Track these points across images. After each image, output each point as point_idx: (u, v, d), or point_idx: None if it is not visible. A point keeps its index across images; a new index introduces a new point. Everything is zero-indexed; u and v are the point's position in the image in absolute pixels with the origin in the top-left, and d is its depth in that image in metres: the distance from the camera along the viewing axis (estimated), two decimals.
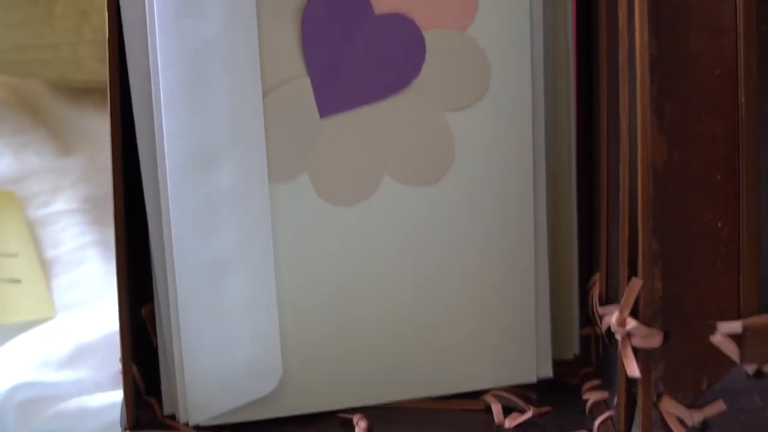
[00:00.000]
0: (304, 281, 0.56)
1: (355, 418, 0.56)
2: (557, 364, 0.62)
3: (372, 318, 0.58)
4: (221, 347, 0.55)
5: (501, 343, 0.59)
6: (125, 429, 0.56)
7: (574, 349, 0.63)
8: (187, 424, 0.56)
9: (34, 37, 0.76)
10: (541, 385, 0.61)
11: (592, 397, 0.57)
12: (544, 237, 0.60)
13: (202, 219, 0.53)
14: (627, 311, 0.49)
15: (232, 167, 0.53)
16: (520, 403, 0.58)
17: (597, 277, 0.60)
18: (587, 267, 0.63)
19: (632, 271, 0.50)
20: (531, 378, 0.60)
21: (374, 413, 0.57)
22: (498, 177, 0.57)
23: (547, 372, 0.61)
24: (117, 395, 0.60)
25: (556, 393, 0.60)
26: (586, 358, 0.63)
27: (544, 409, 0.58)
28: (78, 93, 0.84)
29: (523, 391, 0.60)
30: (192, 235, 0.53)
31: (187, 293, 0.54)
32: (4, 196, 0.74)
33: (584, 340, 0.63)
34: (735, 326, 0.49)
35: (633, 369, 0.49)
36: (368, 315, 0.58)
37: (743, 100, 0.48)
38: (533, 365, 0.60)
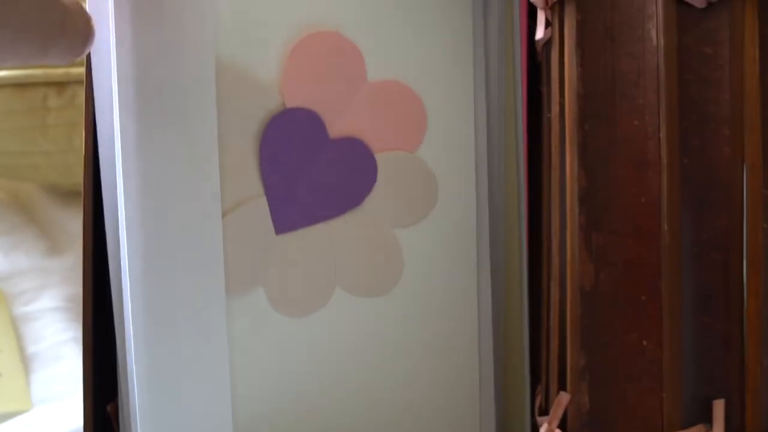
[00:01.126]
0: (260, 388, 0.58)
1: None
2: None
3: (326, 422, 0.60)
4: (174, 413, 0.56)
5: None
6: None
7: None
8: None
9: (28, 144, 0.81)
10: None
11: None
12: (489, 346, 0.62)
13: (159, 330, 0.55)
14: (555, 423, 0.52)
15: (190, 283, 0.56)
16: None
17: (539, 388, 0.63)
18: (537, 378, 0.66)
19: (561, 386, 0.52)
20: None
21: None
22: (443, 288, 0.60)
23: None
24: None
25: None
26: None
27: None
28: (67, 196, 0.88)
29: None
30: (151, 342, 0.56)
31: (145, 397, 0.56)
32: None
33: None
34: None
35: None
36: (322, 419, 0.60)
37: (666, 227, 0.52)
38: None
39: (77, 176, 0.82)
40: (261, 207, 0.56)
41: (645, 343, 0.52)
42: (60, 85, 0.80)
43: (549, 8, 0.57)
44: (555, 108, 0.56)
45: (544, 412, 0.60)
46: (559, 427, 0.52)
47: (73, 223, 0.84)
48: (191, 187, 0.55)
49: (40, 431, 0.67)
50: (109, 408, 0.61)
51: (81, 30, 0.47)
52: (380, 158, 0.58)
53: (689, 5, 0.50)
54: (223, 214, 0.56)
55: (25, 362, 0.75)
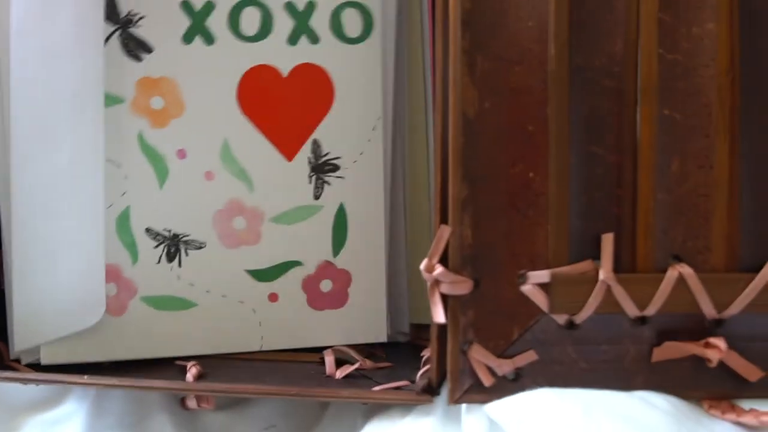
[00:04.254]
0: None
1: (189, 364, 0.57)
2: (417, 327, 0.63)
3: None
4: (48, 283, 0.57)
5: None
6: None
7: None
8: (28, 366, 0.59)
9: None
10: (397, 347, 0.63)
11: (427, 354, 0.58)
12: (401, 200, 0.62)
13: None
14: (436, 258, 0.50)
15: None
16: (356, 357, 0.59)
17: None
18: None
19: (443, 219, 0.50)
20: (381, 338, 0.62)
21: (209, 362, 0.59)
22: None
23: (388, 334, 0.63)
24: None
25: (407, 353, 0.62)
26: None
27: (381, 364, 0.59)
28: None
29: (371, 349, 0.62)
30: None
31: (21, 230, 0.57)
32: None
33: None
34: (543, 275, 0.49)
35: (439, 315, 0.50)
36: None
37: (554, 51, 0.49)
38: (384, 327, 0.63)
39: None
40: None
41: (531, 175, 0.50)
42: None
43: None
44: None
45: None
46: (440, 262, 0.50)
47: None
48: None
49: None
50: None
51: None
52: None
53: None
54: None
55: None
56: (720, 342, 0.50)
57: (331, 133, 0.61)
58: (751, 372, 0.50)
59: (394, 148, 0.63)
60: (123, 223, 0.59)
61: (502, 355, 0.50)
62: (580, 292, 0.49)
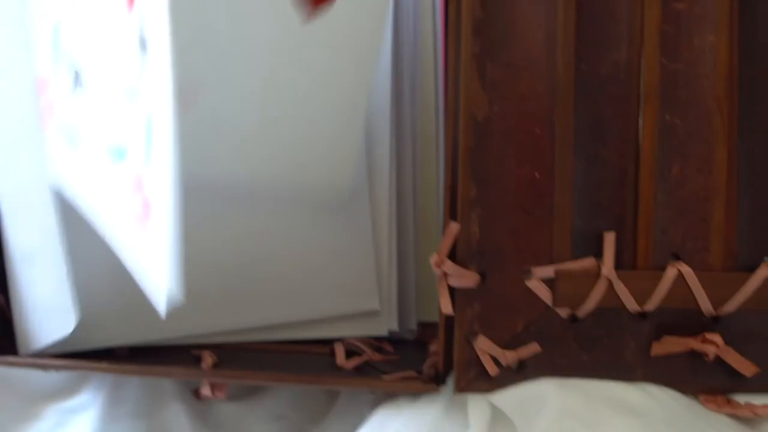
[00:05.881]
0: None
1: (204, 353, 0.59)
2: (424, 326, 0.65)
3: None
4: (27, 293, 0.61)
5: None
6: None
7: None
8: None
9: None
10: (404, 343, 0.65)
11: (434, 346, 0.59)
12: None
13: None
14: (445, 253, 0.52)
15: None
16: (365, 348, 0.61)
17: None
18: None
19: (452, 216, 0.52)
20: (382, 331, 0.64)
21: (222, 353, 0.60)
22: None
23: (395, 326, 0.64)
24: None
25: (413, 349, 0.64)
26: None
27: (389, 357, 0.61)
28: None
29: (377, 342, 0.64)
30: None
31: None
32: None
33: None
34: (548, 271, 0.52)
35: (447, 306, 0.52)
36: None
37: (561, 59, 0.51)
38: (383, 322, 0.64)
39: None
40: None
41: (537, 175, 0.52)
42: None
43: None
44: None
45: None
46: (449, 257, 0.52)
47: None
48: None
49: None
50: None
51: None
52: None
53: None
54: None
55: None
56: (716, 338, 0.52)
57: None
58: (746, 367, 0.52)
59: (405, 152, 0.65)
60: None
61: (506, 346, 0.52)
62: (582, 288, 0.51)
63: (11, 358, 0.59)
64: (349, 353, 0.61)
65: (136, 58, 0.45)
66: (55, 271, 0.59)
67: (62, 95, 0.55)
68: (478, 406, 0.52)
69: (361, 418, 0.62)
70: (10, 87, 0.59)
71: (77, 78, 0.53)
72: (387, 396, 0.59)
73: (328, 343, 0.62)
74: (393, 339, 0.64)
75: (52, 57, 0.55)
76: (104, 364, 0.58)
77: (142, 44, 0.45)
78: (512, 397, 0.51)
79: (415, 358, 0.60)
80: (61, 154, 0.56)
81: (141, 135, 0.45)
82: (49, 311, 0.60)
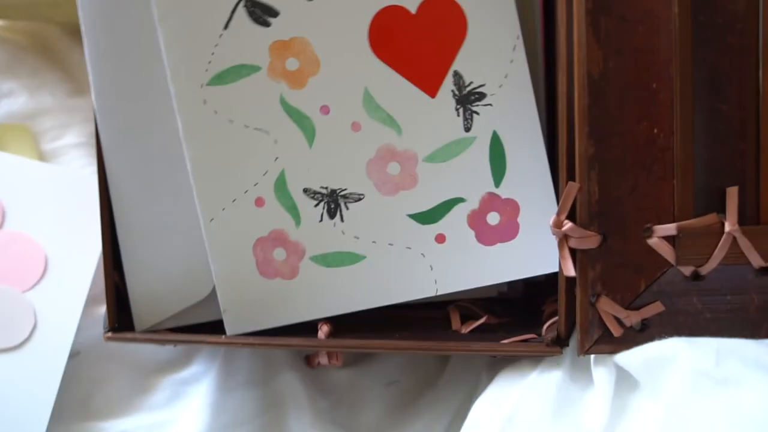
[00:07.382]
0: None
1: (320, 322, 0.59)
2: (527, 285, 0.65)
3: None
4: (155, 264, 0.61)
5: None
6: (107, 331, 0.61)
7: None
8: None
9: None
10: (511, 303, 0.64)
11: (548, 308, 0.59)
12: None
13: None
14: (564, 214, 0.51)
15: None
16: (479, 311, 0.61)
17: None
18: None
19: (570, 176, 0.52)
20: (492, 292, 0.63)
21: (338, 319, 0.60)
22: None
23: (504, 287, 0.63)
24: None
25: (521, 309, 0.63)
26: None
27: (504, 319, 0.61)
28: None
29: (488, 304, 0.63)
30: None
31: (122, 216, 0.62)
32: (20, 129, 0.78)
33: None
34: (670, 228, 0.51)
35: (569, 268, 0.51)
36: None
37: (677, 10, 0.50)
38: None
39: None
40: None
41: (656, 131, 0.51)
42: None
43: None
44: None
45: None
46: (568, 218, 0.52)
47: None
48: None
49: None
50: None
51: None
52: None
53: None
54: None
55: None
56: None
57: (470, 62, 0.59)
58: None
59: None
60: (281, 187, 0.60)
61: (629, 306, 0.52)
62: (705, 245, 0.51)
63: (129, 334, 0.60)
64: (463, 317, 0.61)
65: None
66: (189, 242, 0.60)
67: None
68: (602, 367, 0.52)
69: (476, 381, 0.62)
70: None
71: None
72: (498, 359, 0.59)
73: (441, 307, 0.62)
74: (502, 299, 0.64)
75: None
76: (222, 338, 0.58)
77: None
78: (638, 357, 0.50)
79: (527, 320, 0.60)
80: None
81: None
82: (180, 280, 0.61)
